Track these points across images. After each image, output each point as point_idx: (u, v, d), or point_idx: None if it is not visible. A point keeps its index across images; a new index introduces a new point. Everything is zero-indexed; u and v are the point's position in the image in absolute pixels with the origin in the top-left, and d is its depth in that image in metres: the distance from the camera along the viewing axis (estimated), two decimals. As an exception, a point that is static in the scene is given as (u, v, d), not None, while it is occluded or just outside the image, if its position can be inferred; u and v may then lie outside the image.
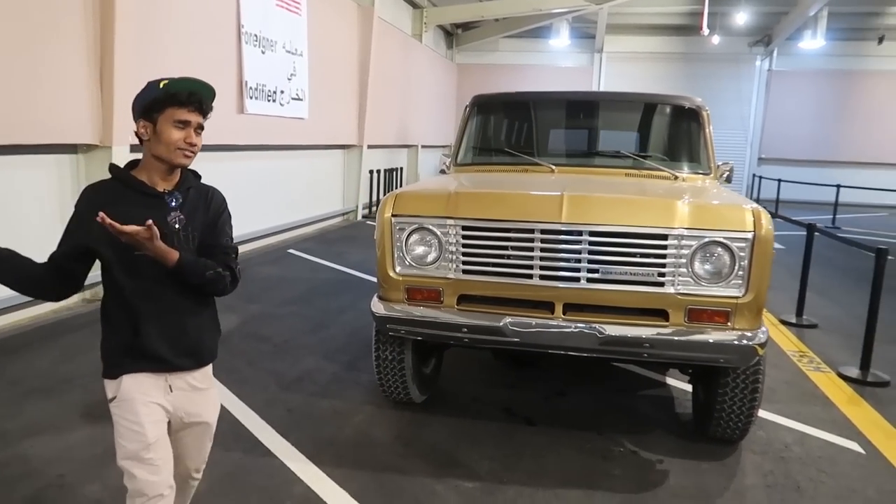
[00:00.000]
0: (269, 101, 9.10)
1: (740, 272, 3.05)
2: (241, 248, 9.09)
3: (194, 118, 2.02)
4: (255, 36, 8.60)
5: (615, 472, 3.35)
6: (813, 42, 17.24)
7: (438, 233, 3.31)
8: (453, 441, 3.62)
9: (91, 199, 2.02)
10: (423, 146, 17.71)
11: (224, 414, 3.82)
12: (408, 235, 3.36)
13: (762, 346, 3.09)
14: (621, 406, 4.22)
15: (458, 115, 21.30)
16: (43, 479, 3.07)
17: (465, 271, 3.31)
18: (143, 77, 2.23)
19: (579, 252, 3.14)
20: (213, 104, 2.08)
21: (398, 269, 3.40)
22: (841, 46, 18.14)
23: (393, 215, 3.37)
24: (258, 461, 3.32)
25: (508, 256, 3.24)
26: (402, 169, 15.80)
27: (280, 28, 9.26)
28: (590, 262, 3.14)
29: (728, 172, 4.59)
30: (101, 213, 1.84)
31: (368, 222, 12.90)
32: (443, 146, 20.64)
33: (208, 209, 2.16)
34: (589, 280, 3.15)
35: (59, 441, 3.44)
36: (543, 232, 3.16)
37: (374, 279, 7.58)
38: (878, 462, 3.56)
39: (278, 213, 10.12)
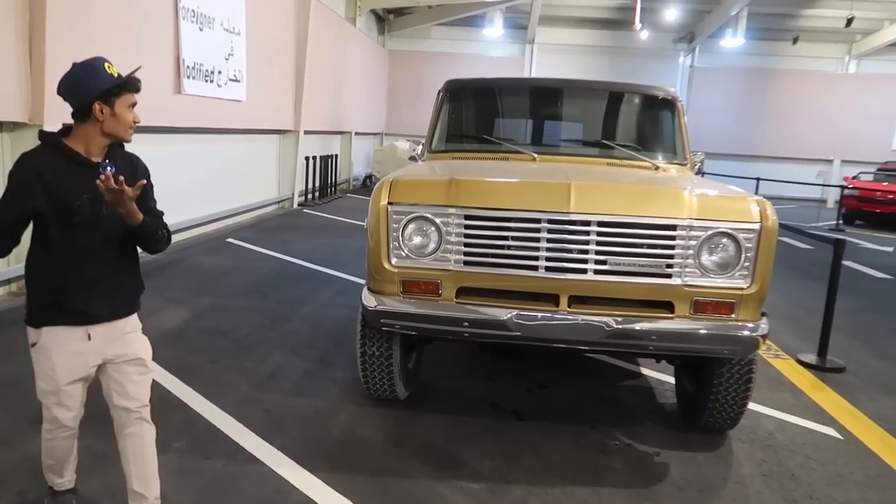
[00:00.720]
0: (206, 81, 8.60)
1: (746, 263, 3.05)
2: (178, 237, 8.58)
3: (136, 99, 2.31)
4: (193, 11, 8.08)
5: (616, 466, 3.30)
6: (734, 40, 17.97)
7: (438, 222, 3.14)
8: (446, 439, 3.48)
9: (31, 166, 2.22)
10: (356, 133, 17.34)
11: (195, 417, 3.56)
12: (405, 225, 3.17)
13: (765, 337, 3.11)
14: (604, 397, 4.19)
15: (390, 102, 21.07)
16: (1, 497, 2.72)
17: (466, 263, 3.16)
18: (76, 52, 2.38)
19: (587, 243, 3.05)
20: (148, 82, 2.38)
21: (394, 260, 3.21)
22: (759, 45, 19.02)
23: (389, 203, 3.17)
24: (244, 468, 3.07)
25: (513, 247, 3.11)
26: (336, 156, 15.38)
27: (218, 4, 8.75)
28: (598, 253, 3.06)
29: (700, 164, 4.64)
30: (108, 172, 2.11)
31: (305, 210, 12.50)
32: (375, 133, 20.33)
33: (135, 176, 2.34)
34: (596, 272, 3.07)
35: (12, 454, 3.07)
36: (551, 222, 3.05)
37: (325, 270, 7.42)
38: (856, 447, 3.67)
39: (215, 200, 9.61)
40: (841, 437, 3.78)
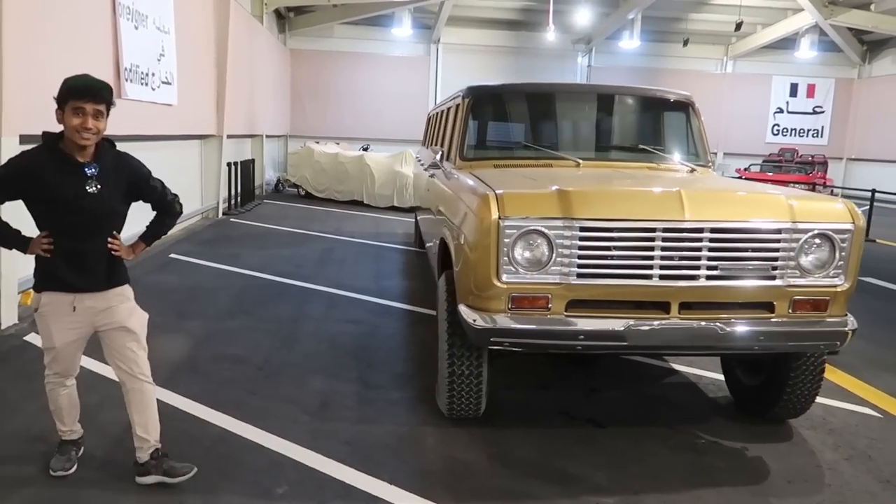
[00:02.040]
0: (142, 84, 7.90)
1: (840, 262, 3.21)
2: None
3: (90, 106, 2.59)
4: (129, 9, 7.39)
5: (719, 464, 3.38)
6: (630, 42, 18.95)
7: (551, 235, 3.06)
8: (546, 454, 3.41)
9: (27, 163, 2.67)
10: (267, 136, 16.63)
11: (277, 457, 3.28)
12: (516, 239, 3.07)
13: (854, 331, 3.30)
14: (656, 397, 4.28)
15: (294, 102, 20.39)
16: None
17: (579, 275, 3.11)
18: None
19: (700, 249, 3.10)
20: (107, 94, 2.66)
21: (504, 276, 3.09)
22: (653, 47, 20.17)
23: (500, 218, 3.05)
24: (372, 509, 2.86)
25: (628, 257, 3.10)
26: (254, 161, 14.66)
27: (151, 1, 8.05)
28: (709, 259, 3.11)
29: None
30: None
31: (232, 220, 11.81)
32: (280, 136, 19.59)
33: (127, 172, 2.83)
34: (708, 277, 3.13)
35: None
36: (666, 230, 3.07)
37: (297, 283, 7.06)
38: (898, 423, 4.00)
39: (148, 213, 8.83)
40: (881, 416, 4.09)
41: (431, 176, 5.29)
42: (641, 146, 4.50)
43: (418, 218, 7.73)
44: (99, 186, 2.71)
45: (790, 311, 3.23)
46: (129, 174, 2.86)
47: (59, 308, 2.79)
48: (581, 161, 4.25)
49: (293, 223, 11.60)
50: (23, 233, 2.84)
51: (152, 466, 2.94)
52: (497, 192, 3.13)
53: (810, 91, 22.11)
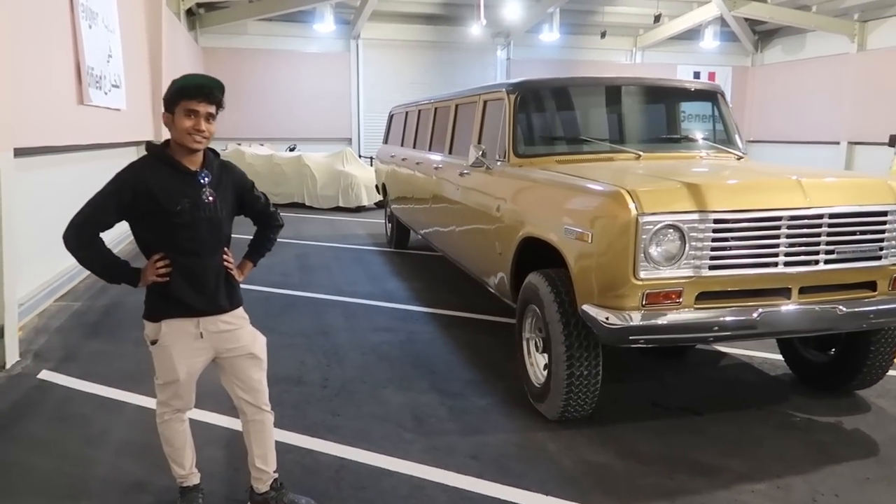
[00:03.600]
0: (97, 87, 7.23)
1: (933, 239, 3.42)
2: (82, 280, 7.13)
3: (202, 108, 2.39)
4: (83, 5, 6.72)
5: (827, 440, 3.52)
6: (550, 35, 19.35)
7: (685, 228, 3.07)
8: (670, 446, 3.43)
9: (137, 175, 2.44)
10: (190, 140, 15.71)
11: (416, 482, 3.16)
12: (652, 236, 3.05)
13: (940, 304, 3.52)
14: (725, 380, 4.41)
15: (209, 105, 19.34)
16: None
17: (711, 267, 3.13)
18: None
19: (819, 235, 3.21)
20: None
21: (642, 273, 3.07)
22: (570, 39, 20.67)
23: (640, 214, 3.02)
24: (548, 523, 2.76)
25: (756, 246, 3.16)
26: (185, 166, 13.81)
27: (99, -3, 7.38)
28: (828, 243, 3.23)
29: (736, 152, 5.04)
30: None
31: (177, 230, 11.09)
32: (198, 139, 18.57)
33: (233, 181, 2.64)
34: (826, 262, 3.24)
35: None
36: (791, 218, 3.15)
37: (294, 293, 6.73)
38: (945, 385, 4.32)
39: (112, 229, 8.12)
40: (928, 380, 4.41)
41: (462, 173, 5.17)
42: (688, 136, 4.60)
43: (396, 209, 7.56)
44: (213, 192, 2.51)
45: (890, 288, 3.41)
46: (235, 184, 2.67)
47: (183, 336, 2.55)
48: (641, 153, 4.28)
49: (245, 229, 10.92)
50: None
51: (271, 497, 2.79)
52: (630, 189, 3.10)
53: (711, 78, 23.39)
